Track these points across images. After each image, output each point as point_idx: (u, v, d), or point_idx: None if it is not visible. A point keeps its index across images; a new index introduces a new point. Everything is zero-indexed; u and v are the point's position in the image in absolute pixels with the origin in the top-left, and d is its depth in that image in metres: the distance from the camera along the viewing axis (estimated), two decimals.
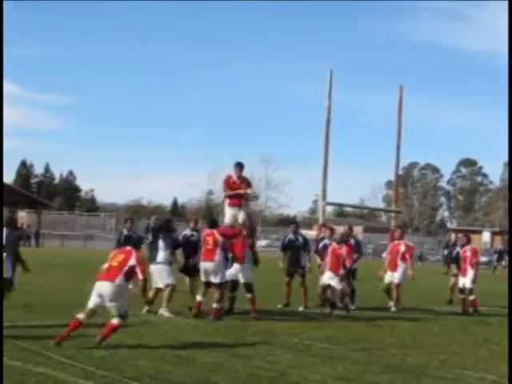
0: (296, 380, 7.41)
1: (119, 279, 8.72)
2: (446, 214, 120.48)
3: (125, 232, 15.20)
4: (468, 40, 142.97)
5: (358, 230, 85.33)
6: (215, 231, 12.25)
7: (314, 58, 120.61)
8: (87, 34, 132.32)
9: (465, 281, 15.37)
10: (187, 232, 13.37)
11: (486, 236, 67.69)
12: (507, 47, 20.24)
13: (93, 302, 8.78)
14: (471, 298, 15.31)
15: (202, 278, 12.26)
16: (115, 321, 8.63)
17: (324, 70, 18.87)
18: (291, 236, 15.03)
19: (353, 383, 7.36)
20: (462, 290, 15.46)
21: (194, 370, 7.61)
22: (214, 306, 11.94)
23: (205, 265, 12.13)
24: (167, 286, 12.21)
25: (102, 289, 8.72)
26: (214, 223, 12.68)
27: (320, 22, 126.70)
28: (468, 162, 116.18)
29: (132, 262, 8.87)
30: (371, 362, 8.66)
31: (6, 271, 10.21)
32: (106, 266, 8.98)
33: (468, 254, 15.51)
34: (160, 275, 12.33)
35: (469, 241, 16.04)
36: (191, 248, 12.81)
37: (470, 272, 15.30)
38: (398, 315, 13.92)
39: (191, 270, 12.85)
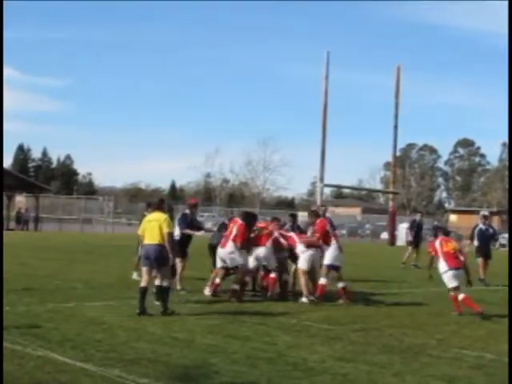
0: (294, 361, 7.41)
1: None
2: (444, 194, 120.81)
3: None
4: (466, 19, 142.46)
5: (356, 212, 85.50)
6: (241, 222, 12.41)
7: (312, 39, 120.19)
8: (85, 16, 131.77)
9: None
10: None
11: None
12: (507, 46, 19.89)
13: None
14: None
15: (218, 264, 12.51)
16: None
17: (323, 51, 18.76)
18: None
19: (351, 363, 7.37)
20: None
21: (193, 352, 7.62)
22: (233, 287, 12.08)
23: (220, 251, 12.39)
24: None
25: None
26: (247, 217, 12.85)
27: (317, 3, 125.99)
28: (465, 143, 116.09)
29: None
30: (370, 343, 8.68)
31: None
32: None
33: None
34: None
35: None
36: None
37: None
38: (395, 296, 13.93)
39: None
